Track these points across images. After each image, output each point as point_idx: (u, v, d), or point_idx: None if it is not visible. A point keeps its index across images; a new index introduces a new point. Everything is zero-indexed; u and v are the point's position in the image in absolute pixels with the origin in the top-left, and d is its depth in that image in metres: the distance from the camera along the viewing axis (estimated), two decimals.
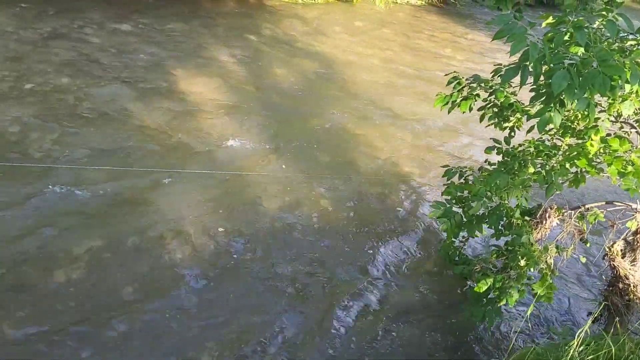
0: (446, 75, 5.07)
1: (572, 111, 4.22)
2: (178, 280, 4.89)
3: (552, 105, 3.23)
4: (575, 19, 3.23)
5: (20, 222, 5.09)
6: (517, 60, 3.09)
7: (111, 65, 8.62)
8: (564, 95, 2.95)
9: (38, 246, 4.85)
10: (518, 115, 4.96)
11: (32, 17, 9.70)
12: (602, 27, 3.52)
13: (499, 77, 4.50)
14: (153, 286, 4.77)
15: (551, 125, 3.51)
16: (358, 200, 6.77)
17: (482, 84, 4.90)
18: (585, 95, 2.92)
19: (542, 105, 3.37)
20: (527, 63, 2.97)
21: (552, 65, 2.94)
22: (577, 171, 4.38)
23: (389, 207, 6.79)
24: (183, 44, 10.34)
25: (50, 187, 5.60)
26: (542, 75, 3.09)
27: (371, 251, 5.93)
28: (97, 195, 5.68)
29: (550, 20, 3.80)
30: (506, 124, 5.10)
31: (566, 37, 3.24)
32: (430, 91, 10.52)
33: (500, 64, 4.38)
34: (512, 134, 5.11)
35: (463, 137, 9.12)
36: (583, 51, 3.12)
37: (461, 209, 4.89)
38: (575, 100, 2.91)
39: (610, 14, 3.38)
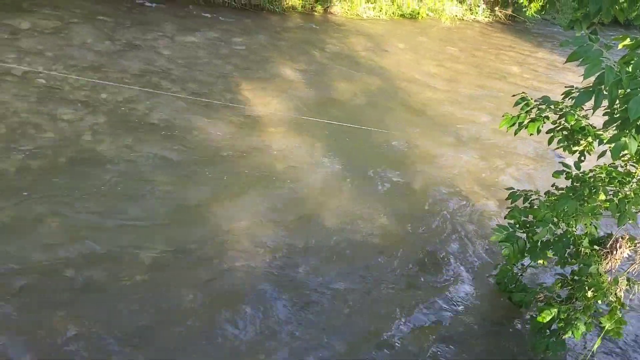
0: (514, 96, 4.94)
1: None
2: (238, 289, 4.98)
3: (627, 131, 3.07)
4: None
5: (90, 222, 5.34)
6: (590, 84, 2.96)
7: (180, 76, 8.94)
8: None
9: (107, 249, 5.06)
10: (589, 139, 4.76)
11: (109, 30, 10.22)
12: None
13: (570, 100, 4.33)
14: (214, 294, 4.87)
15: (626, 152, 3.33)
16: (418, 218, 6.68)
17: (552, 106, 4.74)
18: None
19: (616, 131, 3.21)
20: (602, 87, 2.84)
21: (629, 89, 2.80)
22: None
23: (449, 226, 6.65)
24: (248, 58, 10.59)
25: (119, 188, 5.86)
26: (617, 100, 2.95)
27: (426, 269, 5.82)
28: (163, 201, 5.88)
29: (627, 42, 3.62)
30: (576, 148, 4.90)
31: None
32: (495, 110, 10.29)
33: (572, 86, 4.23)
34: (582, 158, 4.91)
35: (529, 159, 8.83)
36: None
37: (525, 234, 4.72)
38: None
39: None
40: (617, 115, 3.18)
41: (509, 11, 19.90)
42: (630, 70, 2.94)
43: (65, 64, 8.39)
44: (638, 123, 2.95)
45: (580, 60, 2.85)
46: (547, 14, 20.46)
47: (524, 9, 17.75)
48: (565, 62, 3.05)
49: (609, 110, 3.35)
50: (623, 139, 3.06)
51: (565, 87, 4.34)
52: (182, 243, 5.37)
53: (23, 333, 4.12)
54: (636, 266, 4.55)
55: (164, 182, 6.23)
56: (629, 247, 4.64)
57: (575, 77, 13.82)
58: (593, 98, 2.92)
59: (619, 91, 2.91)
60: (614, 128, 3.26)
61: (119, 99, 7.74)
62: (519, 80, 12.99)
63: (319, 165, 7.38)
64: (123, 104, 7.62)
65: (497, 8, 19.78)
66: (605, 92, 2.87)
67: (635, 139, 3.07)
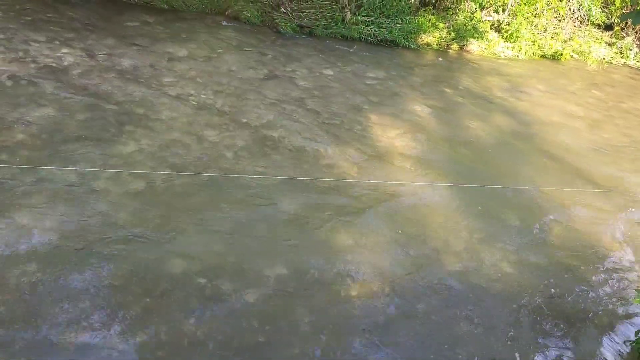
0: None
1: None
2: (351, 322, 5.02)
3: None
4: None
5: (223, 234, 5.72)
6: None
7: (313, 107, 9.34)
8: None
9: (233, 261, 5.38)
10: None
11: (253, 60, 11.00)
12: None
13: None
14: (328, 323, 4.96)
15: None
16: (547, 272, 6.26)
17: None
18: None
19: None
20: None
21: None
22: None
23: (583, 285, 6.15)
24: (380, 92, 10.79)
25: (249, 206, 6.23)
26: None
27: (555, 331, 5.41)
28: (289, 223, 6.15)
29: None
30: None
31: None
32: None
33: None
34: None
35: None
36: None
37: None
38: None
39: None
40: None
41: None
42: None
43: (213, 89, 9.17)
44: None
45: None
46: None
47: None
48: None
49: None
50: None
51: None
52: (304, 266, 5.54)
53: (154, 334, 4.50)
54: None
55: (288, 203, 6.50)
56: None
57: None
58: None
59: None
60: None
61: (256, 124, 8.27)
62: None
63: (443, 202, 7.24)
64: (260, 129, 8.12)
65: None
66: None
67: None
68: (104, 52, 9.64)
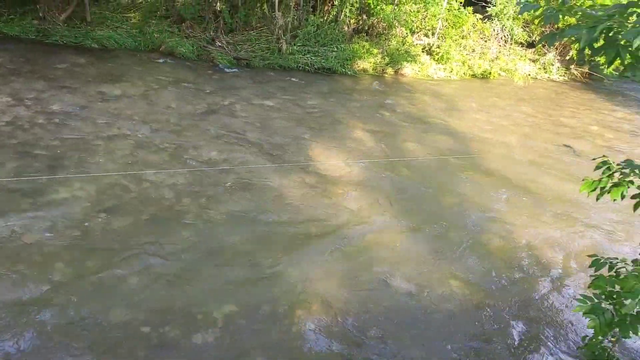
0: (594, 159, 4.74)
1: None
2: (308, 352, 4.93)
3: None
4: None
5: (166, 282, 5.53)
6: None
7: (255, 138, 9.31)
8: None
9: (180, 307, 5.20)
10: None
11: (191, 95, 10.91)
12: None
13: None
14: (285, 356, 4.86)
15: None
16: (492, 284, 6.41)
17: (637, 170, 4.51)
18: None
19: None
20: None
21: None
22: None
23: (526, 295, 6.33)
24: (321, 119, 10.90)
25: (196, 246, 6.07)
26: None
27: (503, 341, 5.51)
28: (237, 259, 6.02)
29: None
30: None
31: None
32: (574, 172, 9.91)
33: None
34: None
35: (614, 224, 8.34)
36: None
37: (612, 306, 4.40)
38: None
39: None
40: None
41: (586, 69, 19.44)
42: None
43: (151, 127, 8.99)
44: None
45: None
46: (627, 71, 19.77)
47: (602, 67, 17.30)
48: None
49: None
50: None
51: None
52: (255, 302, 5.43)
53: None
54: None
55: (238, 241, 6.39)
56: None
57: None
58: None
59: None
60: None
61: (199, 159, 8.14)
62: (599, 140, 12.49)
63: (390, 227, 7.32)
64: (202, 164, 7.99)
65: (572, 66, 19.39)
66: None
67: None
68: (32, 97, 9.29)
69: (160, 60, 12.74)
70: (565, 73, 19.25)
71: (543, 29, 18.51)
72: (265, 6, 14.90)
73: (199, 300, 5.32)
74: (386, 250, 6.75)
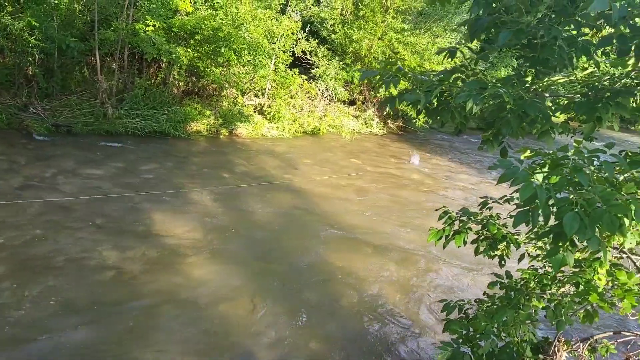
0: (436, 210, 5.09)
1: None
2: None
3: (561, 244, 3.20)
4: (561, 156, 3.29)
5: None
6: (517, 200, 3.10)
7: (84, 213, 8.42)
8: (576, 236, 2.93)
9: None
10: (504, 244, 4.96)
11: (1, 170, 9.60)
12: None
13: (487, 210, 4.62)
14: None
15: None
16: (348, 339, 6.43)
17: (472, 217, 4.93)
18: (597, 234, 2.90)
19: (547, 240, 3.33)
20: (536, 206, 2.96)
21: (558, 207, 2.95)
22: (589, 306, 4.28)
23: (381, 345, 6.46)
24: (158, 186, 10.31)
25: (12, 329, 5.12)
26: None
27: None
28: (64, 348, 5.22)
29: (528, 153, 3.92)
30: (495, 252, 5.07)
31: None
32: (407, 218, 10.64)
33: (486, 197, 4.60)
34: (503, 262, 5.07)
35: (452, 267, 9.04)
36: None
37: (470, 349, 4.65)
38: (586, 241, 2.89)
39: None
40: (548, 229, 3.31)
41: (400, 123, 21.56)
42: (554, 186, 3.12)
43: None
44: (574, 237, 3.08)
45: (511, 181, 2.99)
46: (434, 123, 22.40)
47: (414, 120, 19.33)
48: (497, 183, 3.20)
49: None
50: (560, 253, 3.17)
51: (481, 197, 4.61)
52: None
53: None
54: None
55: (69, 325, 5.57)
56: (566, 350, 4.72)
57: (472, 178, 14.89)
58: (530, 217, 3.02)
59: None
60: (549, 243, 3.39)
61: (17, 242, 7.07)
62: (422, 187, 13.71)
63: (241, 293, 7.03)
64: (23, 249, 6.95)
65: (389, 120, 21.38)
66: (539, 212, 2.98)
67: (571, 252, 3.20)
68: None
69: None
70: (384, 127, 21.11)
71: (361, 88, 20.22)
72: (85, 69, 13.98)
73: None
74: (235, 316, 6.43)
